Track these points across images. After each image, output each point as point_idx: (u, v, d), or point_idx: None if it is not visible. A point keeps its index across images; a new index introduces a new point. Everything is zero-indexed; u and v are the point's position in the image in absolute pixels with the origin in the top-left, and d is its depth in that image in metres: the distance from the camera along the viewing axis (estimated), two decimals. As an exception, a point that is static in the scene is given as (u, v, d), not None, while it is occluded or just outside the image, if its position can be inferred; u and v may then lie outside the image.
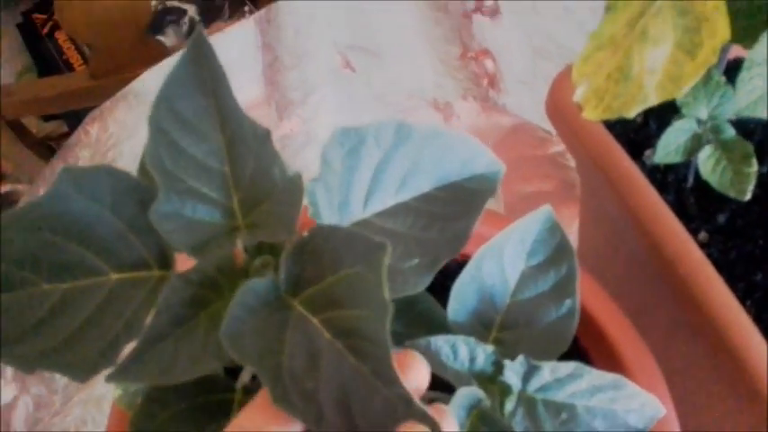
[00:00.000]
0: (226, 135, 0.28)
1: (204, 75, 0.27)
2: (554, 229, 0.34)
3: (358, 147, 0.31)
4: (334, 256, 0.26)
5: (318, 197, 0.31)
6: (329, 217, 0.31)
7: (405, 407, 0.22)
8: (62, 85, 0.96)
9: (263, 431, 0.23)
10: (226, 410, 0.29)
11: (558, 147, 0.73)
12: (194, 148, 0.28)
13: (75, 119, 0.89)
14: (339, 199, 0.31)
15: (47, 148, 1.11)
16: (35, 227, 0.26)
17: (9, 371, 0.65)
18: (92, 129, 0.78)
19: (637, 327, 0.41)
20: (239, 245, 0.27)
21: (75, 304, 0.26)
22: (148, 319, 0.25)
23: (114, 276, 0.27)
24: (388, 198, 0.32)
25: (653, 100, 0.31)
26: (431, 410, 0.23)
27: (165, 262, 0.28)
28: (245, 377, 0.29)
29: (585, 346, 0.42)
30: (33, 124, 1.23)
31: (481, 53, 0.79)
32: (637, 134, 0.47)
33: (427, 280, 0.30)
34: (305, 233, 0.27)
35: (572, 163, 0.72)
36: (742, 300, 0.39)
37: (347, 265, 0.25)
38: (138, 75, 0.80)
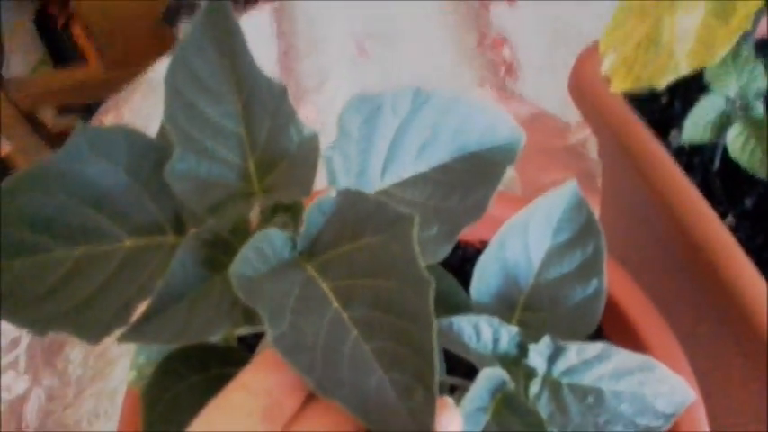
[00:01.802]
0: (242, 95, 0.27)
1: (220, 34, 0.27)
2: (580, 206, 0.33)
3: (375, 114, 0.31)
4: (358, 224, 0.25)
5: (336, 165, 0.30)
6: (347, 186, 0.30)
7: (394, 397, 0.22)
8: (77, 77, 0.96)
9: (266, 385, 0.23)
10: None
11: (578, 136, 0.72)
12: (210, 110, 0.27)
13: (90, 113, 0.88)
14: (357, 168, 0.31)
15: (63, 143, 1.11)
16: (49, 188, 0.26)
17: (22, 362, 0.64)
18: (106, 119, 0.77)
19: (662, 312, 0.40)
20: (255, 208, 0.27)
21: (89, 270, 0.26)
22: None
23: (128, 242, 0.27)
24: (406, 167, 0.31)
25: (684, 68, 0.30)
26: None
27: (180, 227, 0.27)
28: (261, 349, 0.28)
29: (608, 332, 0.41)
30: (49, 119, 1.23)
31: (498, 41, 0.78)
32: (662, 115, 0.46)
33: (446, 249, 0.29)
34: (330, 194, 0.26)
35: (592, 153, 0.71)
36: (772, 285, 0.37)
37: (368, 234, 0.25)
38: (152, 64, 0.80)
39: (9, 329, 0.66)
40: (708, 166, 0.45)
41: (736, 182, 0.44)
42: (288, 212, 0.27)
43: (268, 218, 0.27)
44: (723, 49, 0.29)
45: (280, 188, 0.27)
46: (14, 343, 0.65)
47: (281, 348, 0.22)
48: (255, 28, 0.81)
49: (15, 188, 0.25)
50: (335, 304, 0.24)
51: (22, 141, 0.97)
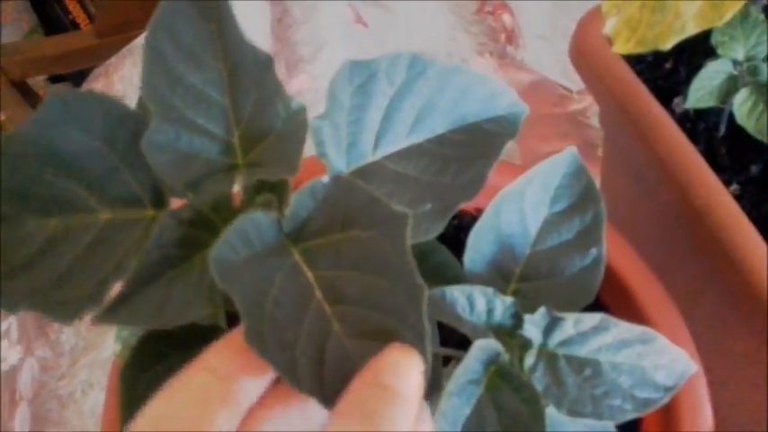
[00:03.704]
0: (227, 63, 0.26)
1: None
2: (580, 172, 0.32)
3: (368, 82, 0.29)
4: (349, 214, 0.24)
5: (325, 136, 0.29)
6: (336, 158, 0.29)
7: None
8: (67, 44, 0.94)
9: (231, 368, 0.22)
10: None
11: (579, 104, 0.71)
12: (193, 77, 0.25)
13: (82, 79, 0.87)
14: (348, 139, 0.29)
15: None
16: (21, 157, 0.24)
17: (14, 333, 0.64)
18: (97, 86, 0.76)
19: (663, 281, 0.39)
20: (238, 184, 0.25)
21: (64, 243, 0.25)
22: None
23: (105, 214, 0.25)
24: (400, 139, 0.30)
25: (691, 29, 0.28)
26: None
27: (160, 201, 0.26)
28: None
29: (607, 303, 0.40)
30: (41, 86, 1.21)
31: (498, 7, 0.76)
32: (666, 81, 0.45)
33: (440, 227, 0.28)
34: (322, 178, 0.25)
35: (593, 121, 0.69)
36: (777, 254, 0.36)
37: (360, 227, 0.23)
38: (143, 32, 0.78)
39: None
40: (712, 133, 0.43)
41: (742, 149, 0.43)
42: (273, 191, 0.26)
43: (252, 195, 0.26)
44: (732, 9, 0.28)
45: (265, 163, 0.26)
46: (5, 313, 0.64)
47: (259, 350, 0.21)
48: (249, -7, 0.79)
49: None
50: (318, 295, 0.23)
51: (13, 110, 0.95)
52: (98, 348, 0.62)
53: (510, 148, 0.69)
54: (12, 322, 0.64)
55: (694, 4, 0.28)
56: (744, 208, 0.38)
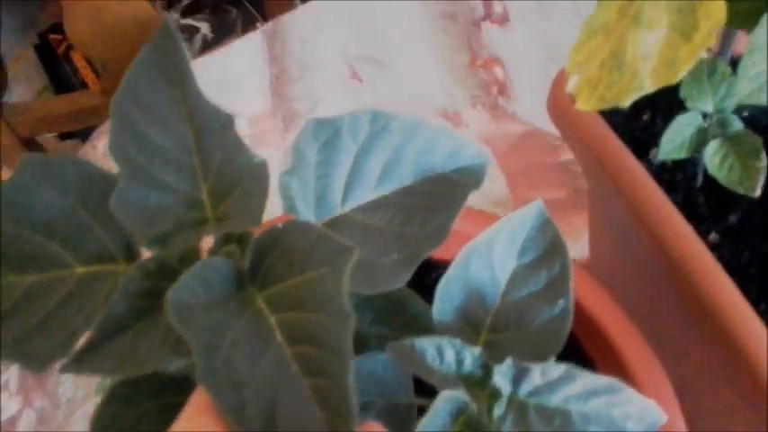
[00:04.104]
0: (193, 124, 0.27)
1: (170, 63, 0.27)
2: (546, 225, 0.32)
3: (333, 139, 0.30)
4: (304, 256, 0.25)
5: (293, 191, 0.30)
6: (306, 212, 0.30)
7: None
8: (75, 103, 0.97)
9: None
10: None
11: (570, 154, 0.72)
12: (162, 139, 0.27)
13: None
14: (316, 194, 0.30)
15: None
16: (-1, 217, 0.26)
17: (13, 383, 0.64)
18: (99, 144, 0.78)
19: (647, 333, 0.39)
20: (208, 237, 0.27)
21: (40, 297, 0.26)
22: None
23: (79, 270, 0.26)
24: (367, 192, 0.31)
25: (648, 87, 0.29)
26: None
27: (131, 255, 0.27)
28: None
29: (590, 352, 0.40)
30: (51, 144, 1.25)
31: (490, 61, 0.78)
32: (643, 132, 0.45)
33: (406, 276, 0.29)
34: (277, 224, 0.26)
35: (584, 170, 0.70)
36: (755, 303, 0.36)
37: (314, 267, 0.24)
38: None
39: None
40: (691, 183, 0.44)
41: (720, 198, 0.43)
42: (239, 242, 0.27)
43: (219, 247, 0.27)
44: (686, 67, 0.29)
45: (232, 217, 0.27)
46: (6, 363, 0.65)
47: (209, 389, 0.21)
48: (248, 53, 0.81)
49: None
50: (279, 338, 0.23)
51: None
52: (94, 399, 0.62)
53: (503, 197, 0.70)
54: (11, 374, 0.65)
55: (650, 63, 0.29)
56: (723, 257, 0.38)
